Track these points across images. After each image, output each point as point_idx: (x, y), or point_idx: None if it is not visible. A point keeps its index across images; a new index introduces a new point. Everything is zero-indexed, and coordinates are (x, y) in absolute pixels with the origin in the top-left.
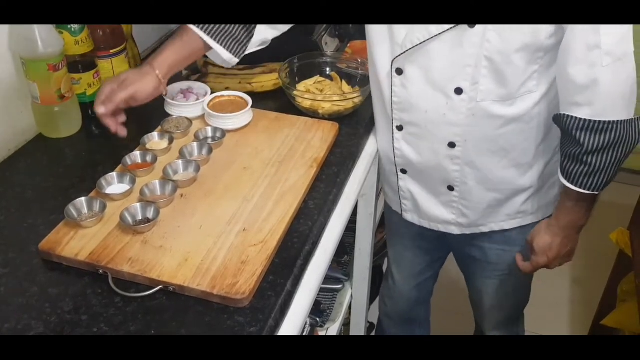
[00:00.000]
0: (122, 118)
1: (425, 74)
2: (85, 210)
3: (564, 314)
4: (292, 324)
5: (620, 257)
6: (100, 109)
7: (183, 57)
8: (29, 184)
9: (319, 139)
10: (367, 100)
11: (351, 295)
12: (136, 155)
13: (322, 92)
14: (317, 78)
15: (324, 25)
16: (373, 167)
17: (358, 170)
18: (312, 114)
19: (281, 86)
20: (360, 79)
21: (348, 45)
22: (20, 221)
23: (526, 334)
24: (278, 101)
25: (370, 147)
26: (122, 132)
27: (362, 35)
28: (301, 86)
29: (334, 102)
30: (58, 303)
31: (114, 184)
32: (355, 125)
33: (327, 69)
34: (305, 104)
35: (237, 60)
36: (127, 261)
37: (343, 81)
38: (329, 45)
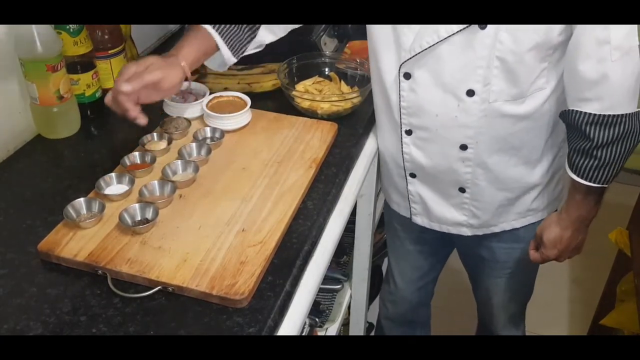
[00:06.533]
0: (139, 107)
1: (435, 78)
2: (84, 210)
3: (563, 313)
4: (291, 325)
5: (619, 257)
6: (126, 87)
7: (202, 54)
8: (28, 184)
9: (317, 139)
10: (366, 101)
11: (350, 296)
12: (135, 155)
13: (320, 93)
14: (316, 78)
15: (323, 26)
16: (372, 167)
17: (357, 171)
18: (310, 114)
19: (280, 86)
20: (359, 79)
21: (347, 45)
22: (19, 222)
23: (526, 333)
24: (277, 101)
25: (369, 148)
26: (143, 119)
27: (361, 36)
28: (300, 86)
29: (332, 102)
30: (57, 304)
31: (112, 185)
32: (354, 126)
33: (326, 69)
34: (304, 104)
35: (235, 60)
36: (125, 262)
37: (342, 81)
38: (328, 45)
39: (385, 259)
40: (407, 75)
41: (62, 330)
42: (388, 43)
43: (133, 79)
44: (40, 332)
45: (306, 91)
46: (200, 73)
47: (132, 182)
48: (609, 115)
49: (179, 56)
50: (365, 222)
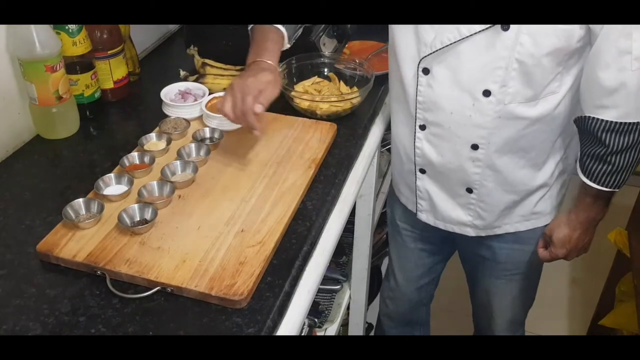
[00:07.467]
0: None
1: (454, 75)
2: (83, 211)
3: (562, 314)
4: (290, 325)
5: (619, 258)
6: (259, 108)
7: (279, 49)
8: (27, 185)
9: (317, 139)
10: (366, 101)
11: (349, 296)
12: (134, 156)
13: (320, 93)
14: (315, 79)
15: (322, 26)
16: (371, 168)
17: (356, 171)
18: (310, 114)
19: None
20: (358, 80)
21: (346, 45)
22: (18, 222)
23: (525, 334)
24: (276, 102)
25: (368, 148)
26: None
27: (361, 36)
28: (299, 87)
29: (332, 102)
30: (56, 304)
31: (111, 185)
32: (353, 126)
33: (325, 70)
34: (303, 104)
35: (289, 46)
36: (124, 262)
37: (341, 82)
38: (327, 45)
39: (385, 259)
40: (426, 71)
41: (61, 330)
42: (409, 37)
43: (261, 99)
44: (39, 332)
45: (305, 92)
46: (199, 74)
47: (131, 182)
48: (625, 123)
49: (272, 65)
50: (365, 223)
